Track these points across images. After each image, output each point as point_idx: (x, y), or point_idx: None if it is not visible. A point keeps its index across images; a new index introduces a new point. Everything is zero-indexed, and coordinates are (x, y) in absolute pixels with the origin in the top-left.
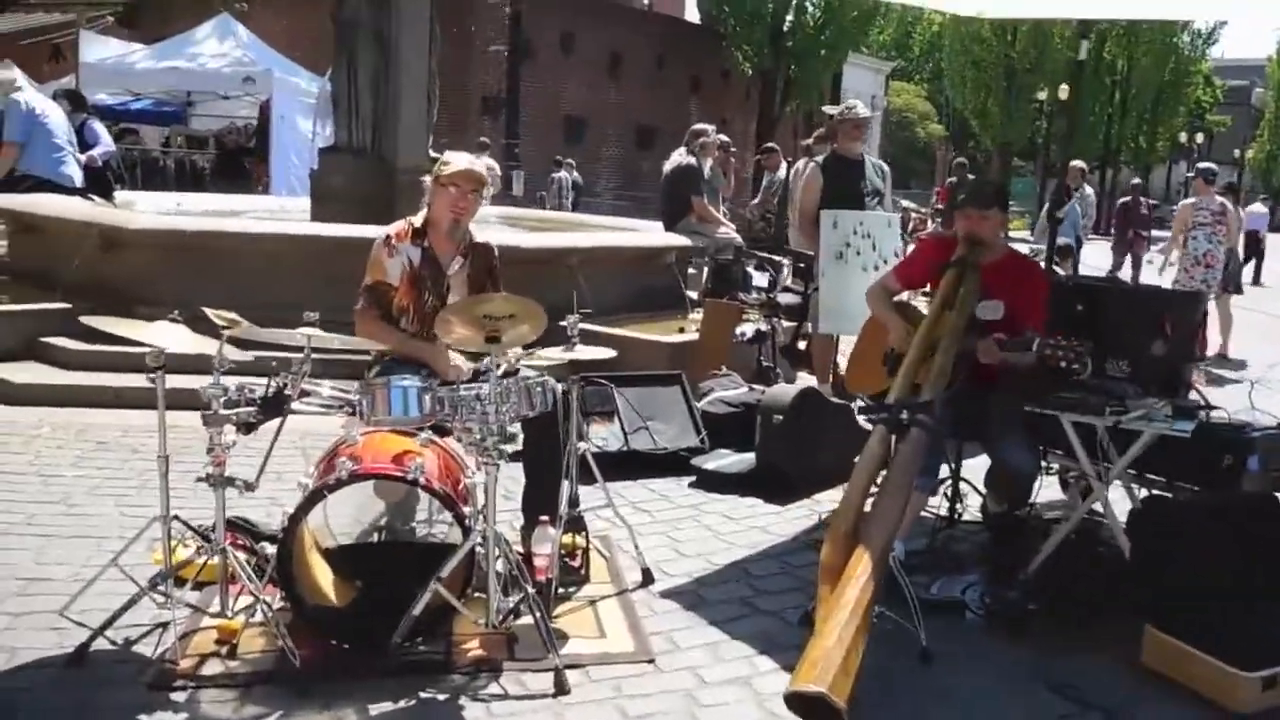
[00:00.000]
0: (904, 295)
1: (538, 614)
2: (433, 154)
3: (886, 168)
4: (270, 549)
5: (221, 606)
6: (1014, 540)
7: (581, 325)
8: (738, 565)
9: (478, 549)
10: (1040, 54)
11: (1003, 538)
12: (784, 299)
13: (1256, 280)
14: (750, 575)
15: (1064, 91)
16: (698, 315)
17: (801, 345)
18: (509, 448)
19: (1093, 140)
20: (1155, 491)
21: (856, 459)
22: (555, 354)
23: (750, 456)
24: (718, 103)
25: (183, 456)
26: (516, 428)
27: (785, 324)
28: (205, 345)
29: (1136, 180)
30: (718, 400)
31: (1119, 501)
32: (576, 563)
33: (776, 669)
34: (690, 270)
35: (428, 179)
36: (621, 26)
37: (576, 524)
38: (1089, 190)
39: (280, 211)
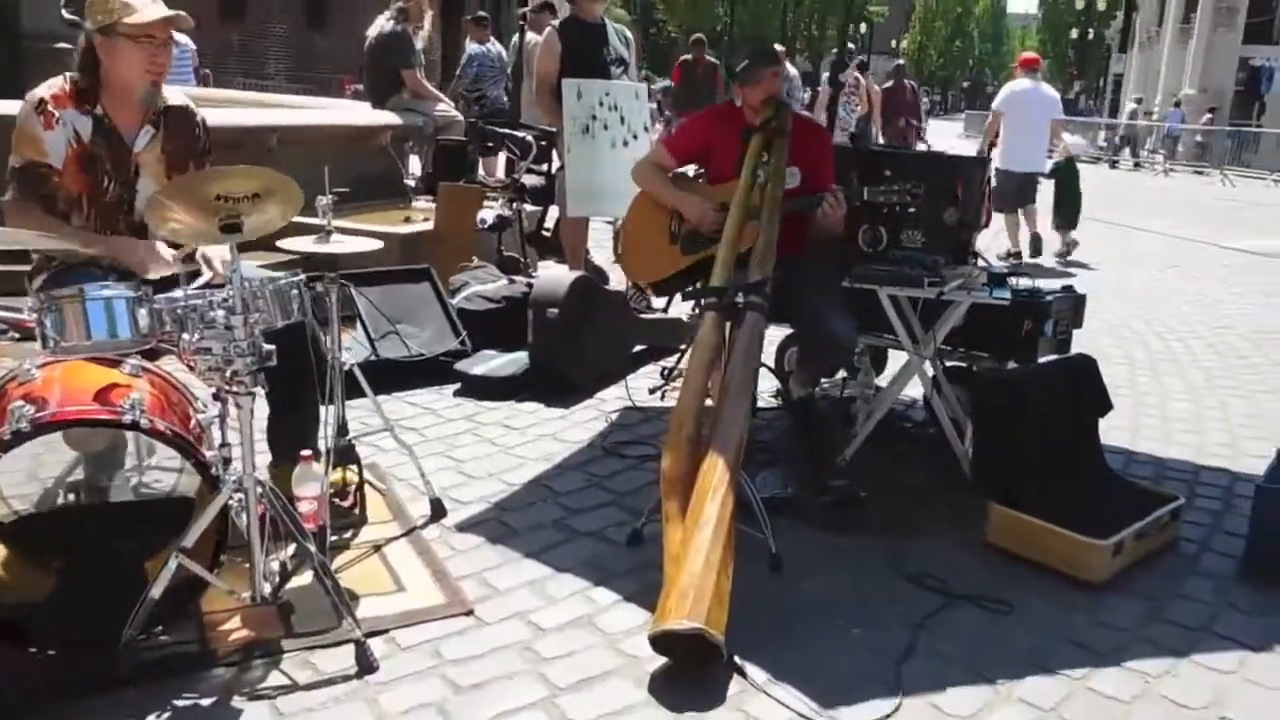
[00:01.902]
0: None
1: (322, 573)
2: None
3: (630, 34)
4: None
5: None
6: (822, 424)
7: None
8: (538, 483)
9: (233, 502)
10: None
11: (811, 422)
12: (527, 180)
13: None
14: (555, 493)
15: None
16: (423, 204)
17: (547, 231)
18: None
19: (771, 28)
20: (950, 364)
21: (630, 350)
22: (305, 246)
23: (521, 356)
24: None
25: None
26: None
27: (529, 208)
28: None
29: (900, 62)
30: (476, 295)
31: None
32: (349, 502)
33: (619, 600)
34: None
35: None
36: None
37: (347, 455)
38: (792, 70)
39: None
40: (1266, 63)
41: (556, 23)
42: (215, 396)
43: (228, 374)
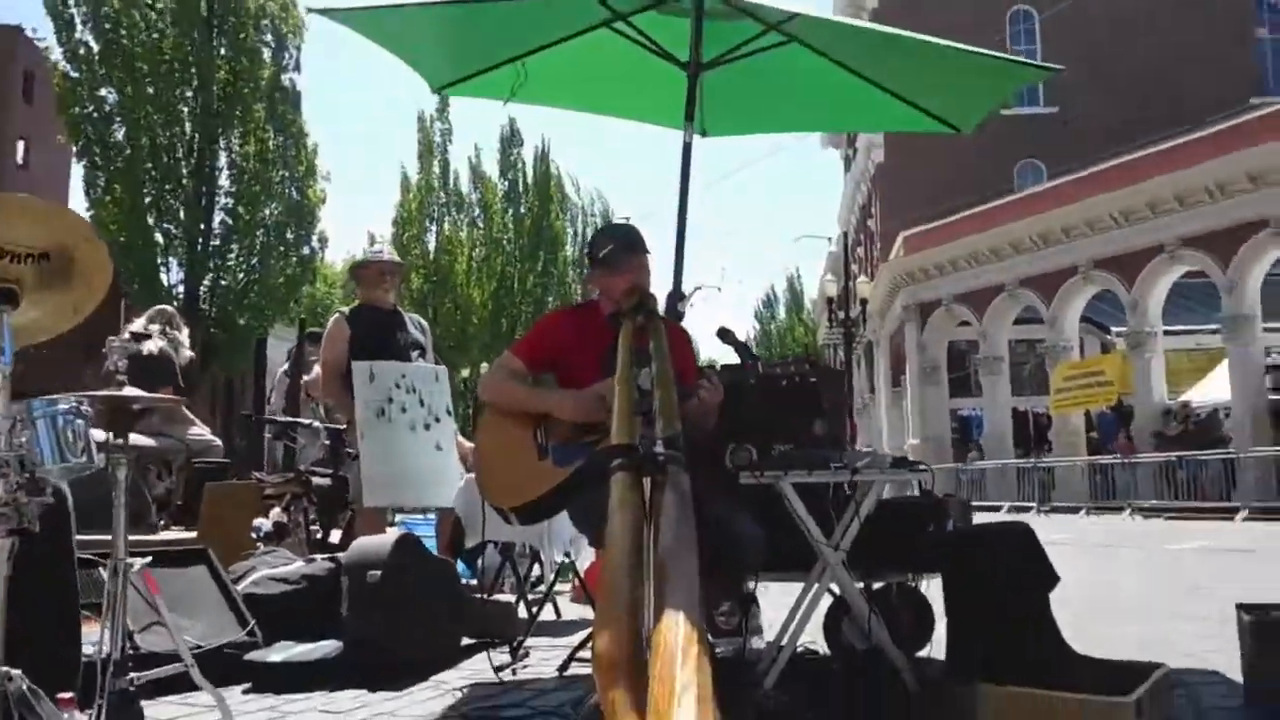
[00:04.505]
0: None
1: None
2: None
3: (425, 323)
4: None
5: None
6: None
7: None
8: None
9: None
10: None
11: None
12: (315, 480)
13: None
14: None
15: None
16: (172, 535)
17: (335, 537)
18: None
19: None
20: None
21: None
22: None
23: (332, 643)
24: None
25: None
26: None
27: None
28: None
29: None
30: (266, 579)
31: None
32: None
33: None
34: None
35: None
36: None
37: (125, 709)
38: None
39: None
40: (973, 412)
41: (347, 310)
42: None
43: None
